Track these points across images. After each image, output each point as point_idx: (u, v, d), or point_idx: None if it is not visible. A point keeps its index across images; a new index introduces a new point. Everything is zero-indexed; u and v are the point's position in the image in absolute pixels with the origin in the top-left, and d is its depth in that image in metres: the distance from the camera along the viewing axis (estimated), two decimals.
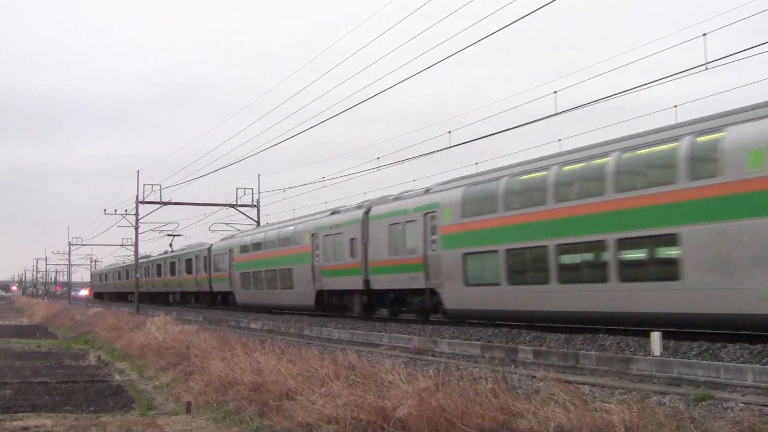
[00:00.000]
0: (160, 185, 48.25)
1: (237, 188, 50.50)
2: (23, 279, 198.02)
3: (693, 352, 13.71)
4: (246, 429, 11.14)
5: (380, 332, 22.33)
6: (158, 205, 49.17)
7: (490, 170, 22.32)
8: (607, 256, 16.94)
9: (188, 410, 12.86)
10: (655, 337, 13.99)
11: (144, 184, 54.01)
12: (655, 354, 13.78)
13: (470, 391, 9.72)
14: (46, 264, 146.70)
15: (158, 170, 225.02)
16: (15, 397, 14.98)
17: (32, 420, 12.26)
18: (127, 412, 13.29)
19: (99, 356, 24.70)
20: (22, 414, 12.99)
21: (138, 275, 54.28)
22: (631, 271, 16.67)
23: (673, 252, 15.65)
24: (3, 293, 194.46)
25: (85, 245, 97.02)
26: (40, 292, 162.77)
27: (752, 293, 13.98)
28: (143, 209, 50.69)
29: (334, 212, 30.62)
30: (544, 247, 18.61)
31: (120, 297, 79.44)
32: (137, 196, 48.88)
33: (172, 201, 49.17)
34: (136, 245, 53.66)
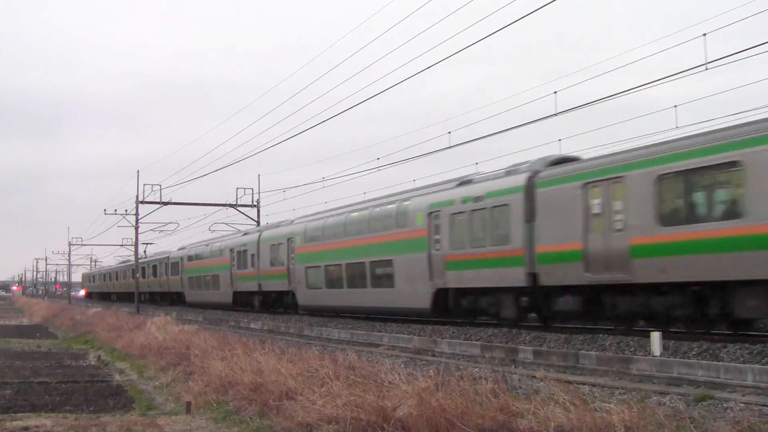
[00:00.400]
0: (160, 185, 48.23)
1: (237, 188, 50.54)
2: (23, 279, 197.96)
3: (693, 352, 13.72)
4: (246, 429, 11.14)
5: (380, 332, 22.36)
6: (158, 205, 49.17)
7: (322, 211, 33.11)
8: (366, 272, 27.04)
9: (188, 410, 12.85)
10: (655, 337, 14.00)
11: (144, 184, 53.98)
12: (655, 354, 13.78)
13: (470, 391, 9.71)
14: (46, 264, 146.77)
15: (158, 170, 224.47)
16: (15, 397, 14.97)
17: (32, 420, 12.25)
18: (127, 412, 13.28)
19: (99, 356, 24.69)
20: (22, 414, 12.98)
21: (137, 276, 54.39)
22: (375, 281, 26.70)
23: (391, 270, 25.48)
24: (3, 293, 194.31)
25: (85, 245, 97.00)
26: (40, 292, 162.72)
27: (419, 294, 23.80)
28: (143, 209, 50.69)
29: (245, 234, 41.86)
30: (340, 264, 28.93)
31: (105, 296, 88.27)
32: (137, 196, 48.84)
33: (172, 201, 49.13)
34: (136, 245, 53.69)
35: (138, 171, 50.54)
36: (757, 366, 11.63)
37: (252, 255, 37.90)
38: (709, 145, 15.40)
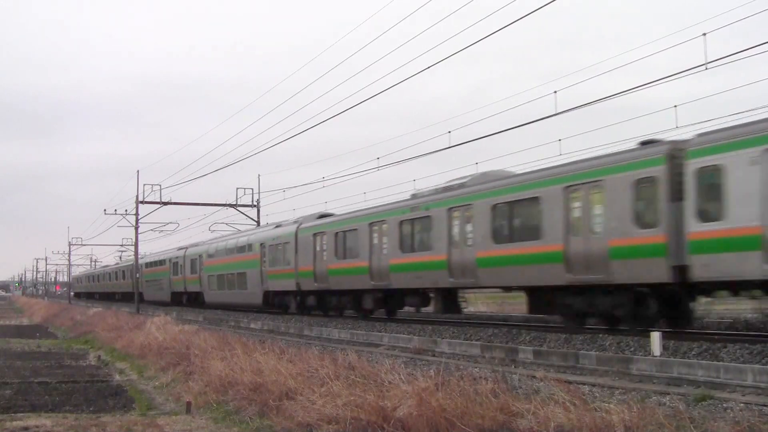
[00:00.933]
0: (160, 185, 48.20)
1: (237, 188, 50.55)
2: (23, 279, 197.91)
3: (693, 352, 13.70)
4: (246, 429, 11.14)
5: (380, 332, 22.34)
6: (158, 205, 49.14)
7: (220, 237, 48.20)
8: (235, 279, 40.14)
9: (188, 410, 12.86)
10: (655, 337, 13.99)
11: (144, 184, 53.91)
12: (655, 354, 13.78)
13: (470, 391, 9.72)
14: (46, 264, 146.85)
15: (158, 170, 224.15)
16: (15, 397, 14.98)
17: (32, 420, 12.26)
18: (127, 412, 13.29)
19: (99, 356, 24.69)
20: (22, 414, 12.99)
21: (137, 275, 54.53)
22: (239, 286, 39.59)
23: (246, 279, 38.29)
24: (3, 293, 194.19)
25: (85, 245, 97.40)
26: (40, 292, 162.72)
27: (257, 294, 36.81)
28: (143, 209, 50.64)
29: (179, 249, 54.86)
30: (224, 274, 42.30)
31: (90, 296, 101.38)
32: (137, 196, 48.82)
33: (172, 201, 49.08)
34: (136, 245, 53.67)
35: (138, 171, 50.62)
36: (757, 366, 11.62)
37: (181, 266, 52.08)
38: (351, 217, 29.00)
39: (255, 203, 50.31)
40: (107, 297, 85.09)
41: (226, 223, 52.41)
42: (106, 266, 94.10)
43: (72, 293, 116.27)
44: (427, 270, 23.19)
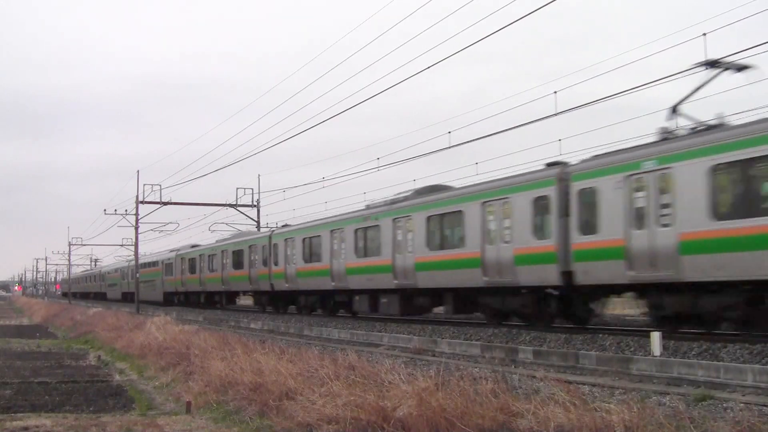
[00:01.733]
0: (160, 185, 48.25)
1: (237, 188, 50.60)
2: (23, 279, 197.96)
3: (693, 352, 13.71)
4: (246, 429, 11.14)
5: (380, 332, 22.34)
6: (158, 205, 49.18)
7: (147, 254, 69.02)
8: (153, 283, 61.17)
9: (188, 410, 12.86)
10: (655, 337, 14.00)
11: (144, 184, 54.01)
12: (655, 354, 13.78)
13: (470, 391, 9.72)
14: (46, 264, 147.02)
15: (158, 170, 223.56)
16: (15, 397, 14.97)
17: (32, 420, 12.26)
18: (127, 412, 13.29)
19: (99, 356, 24.68)
20: (22, 414, 12.98)
21: (137, 275, 54.68)
22: (151, 287, 61.60)
23: (156, 284, 60.75)
24: (3, 293, 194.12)
25: (85, 245, 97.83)
26: (40, 292, 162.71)
27: (160, 294, 60.17)
28: (143, 209, 50.70)
29: (126, 262, 72.88)
30: (146, 280, 59.84)
31: (73, 295, 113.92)
32: (137, 196, 48.84)
33: (172, 201, 49.10)
34: (136, 245, 53.72)
35: (138, 171, 50.75)
36: (757, 366, 11.63)
37: (126, 273, 70.44)
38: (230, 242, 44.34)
39: (255, 203, 50.33)
40: (84, 296, 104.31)
41: (226, 223, 52.70)
42: (84, 271, 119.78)
43: (62, 293, 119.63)
44: (242, 281, 40.00)
